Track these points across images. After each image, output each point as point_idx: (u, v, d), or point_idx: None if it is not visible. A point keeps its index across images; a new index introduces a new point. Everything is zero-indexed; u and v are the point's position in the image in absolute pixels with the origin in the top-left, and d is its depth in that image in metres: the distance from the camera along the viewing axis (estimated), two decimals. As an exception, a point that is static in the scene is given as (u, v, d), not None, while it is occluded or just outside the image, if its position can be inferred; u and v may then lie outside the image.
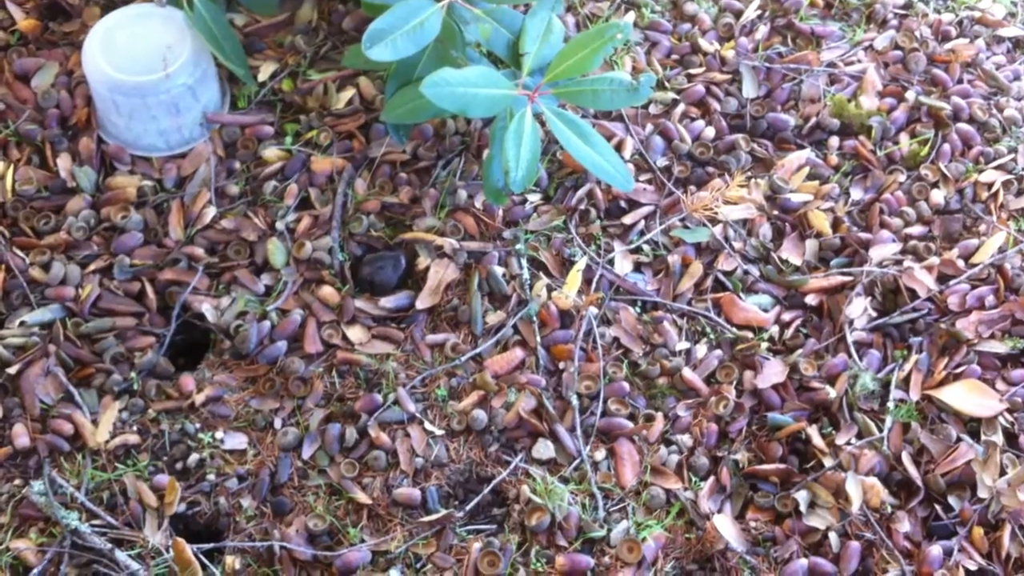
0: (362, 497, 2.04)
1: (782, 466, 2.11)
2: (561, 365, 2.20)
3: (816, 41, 2.72)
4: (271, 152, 2.39)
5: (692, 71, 2.62)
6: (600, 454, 2.11)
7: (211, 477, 2.06)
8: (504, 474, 2.08)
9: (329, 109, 2.45)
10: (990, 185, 2.49)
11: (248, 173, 2.39)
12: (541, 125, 2.27)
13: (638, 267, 2.34)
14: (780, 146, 2.54)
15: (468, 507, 2.05)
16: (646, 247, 2.36)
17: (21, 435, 2.05)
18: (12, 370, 2.10)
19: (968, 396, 2.18)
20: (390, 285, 2.28)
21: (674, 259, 2.33)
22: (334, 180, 2.38)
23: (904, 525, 2.04)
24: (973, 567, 2.01)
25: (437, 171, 2.40)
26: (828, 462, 2.10)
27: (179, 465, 2.07)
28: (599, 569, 2.00)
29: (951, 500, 2.08)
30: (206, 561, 1.95)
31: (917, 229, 2.42)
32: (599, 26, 2.18)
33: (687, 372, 2.20)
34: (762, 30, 2.71)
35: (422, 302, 2.23)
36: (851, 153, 2.53)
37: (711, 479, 2.10)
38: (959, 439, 2.13)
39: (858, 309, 2.28)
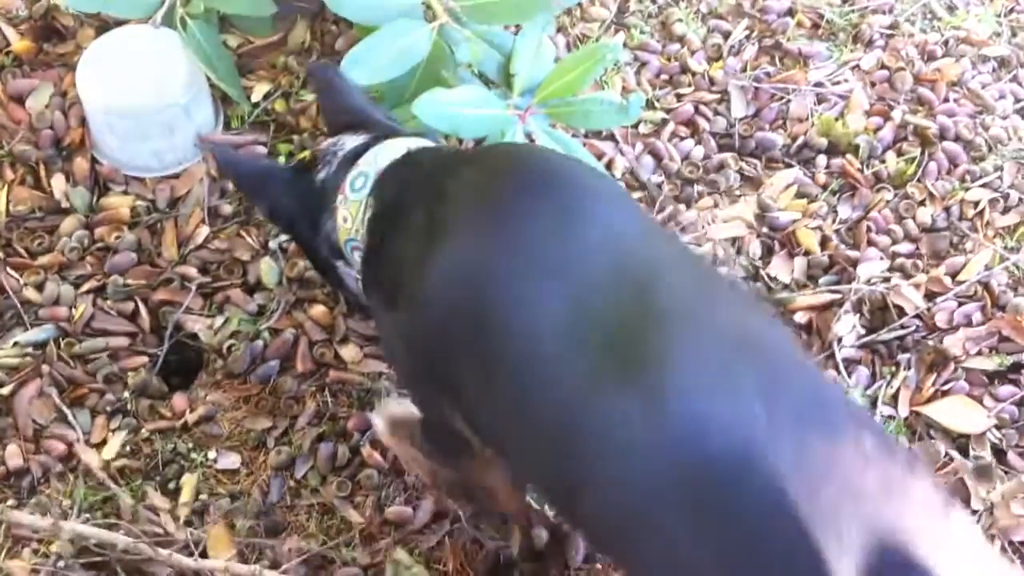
0: (354, 515, 2.05)
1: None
2: (552, 383, 2.21)
3: (803, 61, 2.74)
4: (264, 172, 2.41)
5: (681, 91, 2.65)
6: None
7: (203, 496, 2.06)
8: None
9: (322, 129, 2.47)
10: (976, 203, 2.51)
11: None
12: (532, 145, 2.29)
13: (628, 285, 2.36)
14: (768, 165, 2.57)
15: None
16: (636, 265, 2.37)
17: (14, 455, 2.06)
18: (5, 391, 2.11)
19: (956, 412, 2.19)
20: None
21: (664, 277, 2.34)
22: (326, 200, 2.39)
23: (893, 541, 2.05)
24: (962, 583, 2.03)
25: (429, 191, 2.41)
26: (818, 479, 2.11)
27: (172, 484, 2.07)
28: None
29: (940, 516, 2.09)
30: (199, 580, 1.96)
31: (904, 247, 2.44)
32: (589, 47, 2.22)
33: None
34: (750, 50, 2.73)
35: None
36: (839, 172, 2.55)
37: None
38: (948, 455, 2.14)
39: (846, 326, 2.29)
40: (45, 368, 2.15)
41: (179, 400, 2.16)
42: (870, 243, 2.43)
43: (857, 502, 1.20)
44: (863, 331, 2.31)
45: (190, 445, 2.12)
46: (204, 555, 1.96)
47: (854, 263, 2.38)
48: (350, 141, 1.85)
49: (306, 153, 2.10)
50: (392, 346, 1.80)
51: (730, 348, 1.35)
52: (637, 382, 1.30)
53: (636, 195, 2.46)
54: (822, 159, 2.56)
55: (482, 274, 1.49)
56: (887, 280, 2.36)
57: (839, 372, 2.24)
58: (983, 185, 2.54)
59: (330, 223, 1.83)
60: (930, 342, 2.28)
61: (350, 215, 1.77)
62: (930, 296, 2.35)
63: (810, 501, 1.18)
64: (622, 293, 1.40)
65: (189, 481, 2.07)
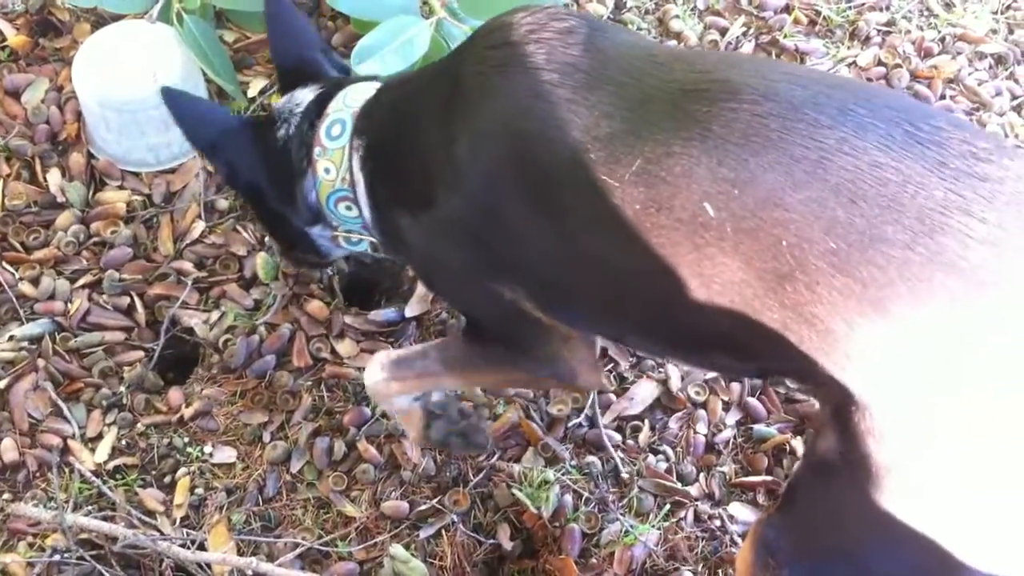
0: (350, 510, 2.05)
1: (768, 478, 2.13)
2: (549, 378, 2.21)
3: (800, 58, 2.74)
4: (260, 167, 2.40)
5: (678, 87, 2.64)
6: (588, 461, 2.12)
7: (199, 491, 2.06)
8: (493, 483, 2.09)
9: (318, 124, 2.46)
10: (973, 199, 2.51)
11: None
12: (528, 140, 2.29)
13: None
14: (765, 161, 2.56)
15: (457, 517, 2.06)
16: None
17: (9, 450, 2.06)
18: (1, 384, 2.11)
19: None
20: None
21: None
22: (323, 195, 2.39)
23: (890, 536, 2.05)
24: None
25: (425, 186, 2.41)
26: (814, 474, 2.11)
27: (168, 479, 2.07)
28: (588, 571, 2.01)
29: (936, 511, 2.09)
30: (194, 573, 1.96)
31: (901, 243, 2.43)
32: (586, 42, 2.20)
33: (674, 384, 2.21)
34: (747, 47, 2.73)
35: (411, 309, 2.24)
36: (836, 168, 2.54)
37: (698, 484, 2.12)
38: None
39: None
40: (41, 362, 2.15)
41: (175, 395, 2.16)
42: (867, 239, 2.42)
43: (980, 163, 1.27)
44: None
45: (186, 439, 2.12)
46: (202, 548, 1.96)
47: (851, 259, 2.38)
48: (303, 95, 1.84)
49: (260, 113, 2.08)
50: (436, 253, 1.71)
51: (815, 82, 1.38)
52: (710, 128, 1.33)
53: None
54: (819, 155, 2.56)
55: (518, 117, 1.48)
56: (884, 276, 2.36)
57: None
58: (980, 181, 2.53)
59: (307, 183, 1.81)
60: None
61: (333, 165, 1.75)
62: (927, 292, 2.35)
63: (942, 170, 1.26)
64: (663, 74, 1.43)
65: (184, 476, 2.07)
